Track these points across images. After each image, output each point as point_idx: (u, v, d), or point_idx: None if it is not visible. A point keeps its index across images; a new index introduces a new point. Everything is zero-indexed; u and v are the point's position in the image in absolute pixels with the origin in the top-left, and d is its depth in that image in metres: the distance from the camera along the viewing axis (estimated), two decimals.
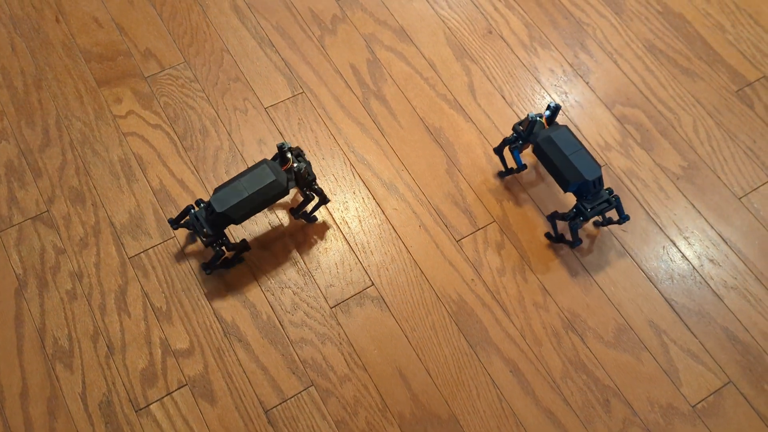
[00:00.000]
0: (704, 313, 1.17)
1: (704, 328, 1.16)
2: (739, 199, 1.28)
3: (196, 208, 1.08)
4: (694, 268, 1.21)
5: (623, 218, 1.15)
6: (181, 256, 1.18)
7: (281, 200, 1.22)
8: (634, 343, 1.15)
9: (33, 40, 1.38)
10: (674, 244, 1.23)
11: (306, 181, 1.10)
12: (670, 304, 1.18)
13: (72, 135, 1.28)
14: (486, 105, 1.36)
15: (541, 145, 1.13)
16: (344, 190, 1.26)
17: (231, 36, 1.41)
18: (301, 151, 1.10)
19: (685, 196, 1.28)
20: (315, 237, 1.21)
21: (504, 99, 1.37)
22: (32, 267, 1.16)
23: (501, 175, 1.29)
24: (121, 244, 1.19)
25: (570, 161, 1.09)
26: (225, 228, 1.07)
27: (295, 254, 1.19)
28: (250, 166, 1.26)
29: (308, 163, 1.09)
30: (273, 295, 1.16)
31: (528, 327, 1.15)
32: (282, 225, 1.22)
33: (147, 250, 1.19)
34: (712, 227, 1.25)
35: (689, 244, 1.23)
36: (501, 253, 1.22)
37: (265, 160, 1.06)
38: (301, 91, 1.36)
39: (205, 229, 1.05)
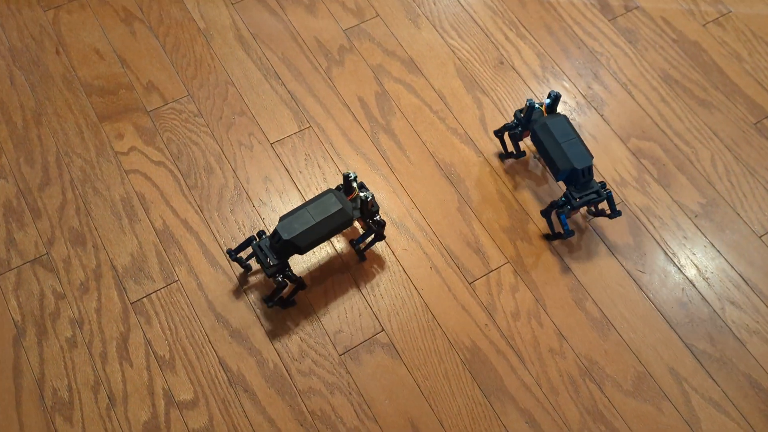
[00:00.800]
0: (726, 360, 1.13)
1: (726, 376, 1.12)
2: (760, 237, 1.24)
3: (258, 240, 1.06)
4: (714, 311, 1.17)
5: (614, 213, 1.16)
6: (185, 301, 1.14)
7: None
8: (654, 391, 1.11)
9: (32, 73, 1.35)
10: (694, 285, 1.19)
11: (370, 212, 1.09)
12: (690, 350, 1.14)
13: (72, 173, 1.25)
14: (498, 139, 1.32)
15: (537, 131, 1.15)
16: (353, 229, 1.22)
17: (236, 68, 1.38)
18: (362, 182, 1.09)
19: (704, 234, 1.24)
20: (322, 279, 1.17)
21: None
22: (31, 313, 1.12)
23: (501, 156, 1.30)
24: (123, 288, 1.15)
25: (562, 149, 1.11)
26: (289, 257, 1.05)
27: (302, 298, 1.15)
28: (255, 202, 1.22)
29: (372, 194, 1.07)
30: (280, 341, 1.12)
31: (544, 375, 1.11)
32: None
33: (150, 294, 1.15)
34: (733, 267, 1.21)
35: (709, 285, 1.19)
36: (515, 296, 1.18)
37: (330, 190, 1.06)
38: (308, 125, 1.32)
39: (269, 259, 1.03)
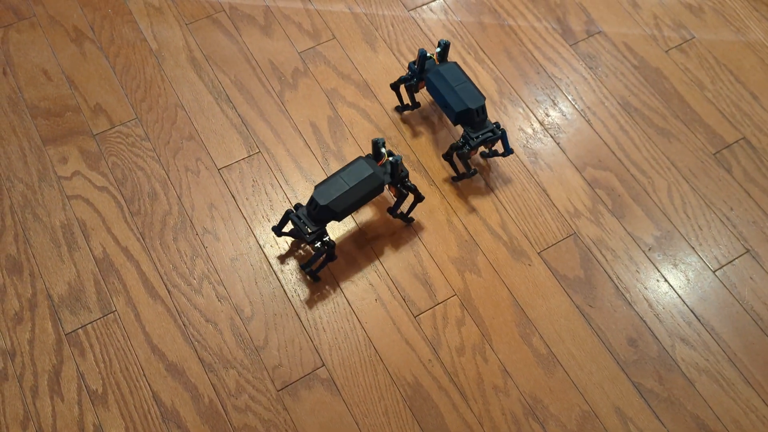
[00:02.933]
0: (674, 399, 1.11)
1: (673, 416, 1.10)
2: (714, 272, 1.22)
3: (295, 211, 1.09)
4: (664, 348, 1.15)
5: (507, 151, 1.22)
6: (121, 332, 1.12)
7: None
8: None
9: None
10: (644, 321, 1.17)
11: (400, 177, 1.11)
12: (637, 389, 1.11)
13: (13, 198, 1.22)
14: (450, 167, 1.30)
15: (431, 78, 1.21)
16: (297, 259, 1.20)
17: (186, 90, 1.35)
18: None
19: (657, 268, 1.22)
20: (263, 311, 1.15)
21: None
22: None
23: (397, 109, 1.34)
24: (58, 318, 1.12)
25: (456, 92, 1.17)
26: (326, 224, 1.08)
27: (241, 329, 1.13)
28: (198, 230, 1.19)
29: (401, 157, 1.09)
30: (217, 375, 1.10)
31: (487, 414, 1.09)
32: (229, 296, 1.15)
33: (85, 325, 1.12)
34: (685, 303, 1.19)
35: (660, 321, 1.17)
36: (461, 330, 1.15)
37: (360, 156, 1.09)
38: (258, 150, 1.30)
39: (307, 227, 1.06)
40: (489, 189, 1.28)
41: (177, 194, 1.24)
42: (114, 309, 1.14)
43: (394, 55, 1.42)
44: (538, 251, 1.22)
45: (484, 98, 1.18)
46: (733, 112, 1.38)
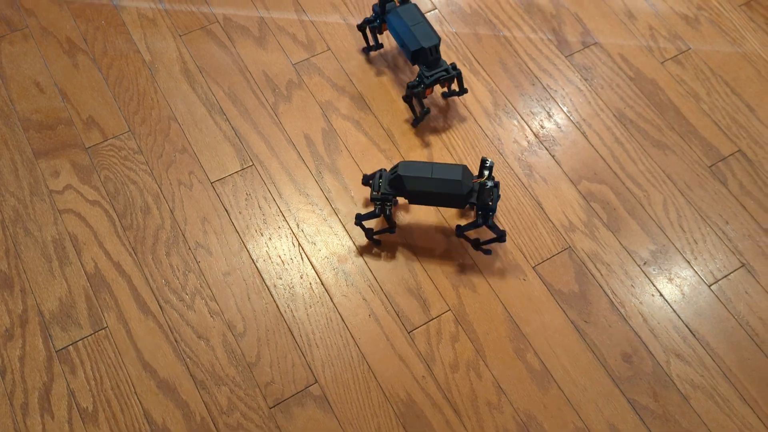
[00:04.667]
0: (669, 416, 1.10)
1: None
2: (710, 286, 1.21)
3: (387, 171, 1.13)
4: (659, 364, 1.14)
5: (462, 90, 1.29)
6: (113, 349, 1.11)
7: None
8: None
9: None
10: (639, 337, 1.16)
11: (484, 203, 1.09)
12: (632, 405, 1.11)
13: (4, 212, 1.21)
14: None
15: (389, 19, 1.27)
16: (291, 274, 1.19)
17: (180, 103, 1.34)
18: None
19: (652, 282, 1.21)
20: (256, 326, 1.14)
21: None
22: None
23: (364, 50, 1.40)
24: (49, 335, 1.12)
25: (411, 31, 1.22)
26: (396, 195, 1.11)
27: (233, 345, 1.12)
28: (191, 244, 1.19)
29: (498, 196, 1.11)
30: (208, 393, 1.09)
31: (480, 430, 1.08)
32: (221, 312, 1.15)
33: (76, 342, 1.11)
34: (680, 318, 1.18)
35: (655, 336, 1.16)
36: (455, 346, 1.14)
37: (464, 165, 1.09)
38: (251, 163, 1.29)
39: (381, 186, 1.10)
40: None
41: (170, 208, 1.23)
42: (105, 325, 1.13)
43: (389, 66, 1.41)
44: (533, 265, 1.21)
45: (439, 38, 1.23)
46: (729, 124, 1.37)
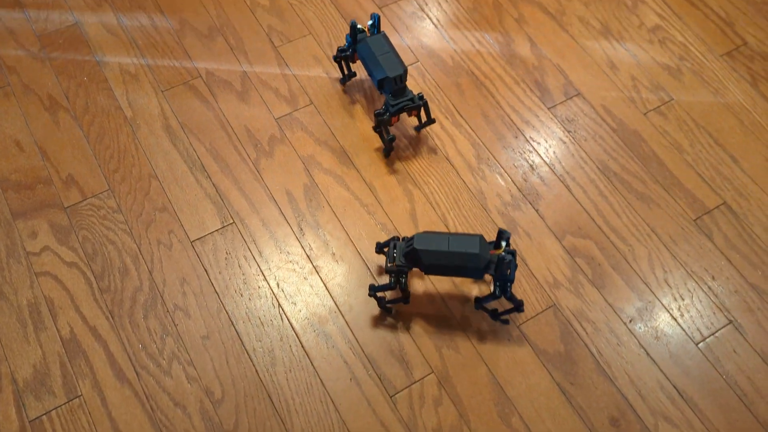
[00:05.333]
0: None
1: None
2: (697, 345, 1.19)
3: (400, 240, 1.13)
4: (647, 427, 1.11)
5: (429, 120, 1.32)
6: (87, 418, 1.08)
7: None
8: None
9: None
10: (626, 399, 1.14)
11: (503, 276, 1.07)
12: None
13: None
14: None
15: (359, 49, 1.30)
16: (271, 336, 1.17)
17: (161, 160, 1.33)
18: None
19: (639, 341, 1.19)
20: (234, 392, 1.11)
21: (447, 228, 1.29)
22: None
23: (341, 81, 1.43)
24: (22, 404, 1.09)
25: (378, 61, 1.25)
26: (412, 267, 1.09)
27: (211, 413, 1.09)
28: (169, 306, 1.17)
29: (516, 265, 1.08)
30: None
31: None
32: (199, 377, 1.12)
33: (50, 411, 1.09)
34: (668, 378, 1.16)
35: (642, 398, 1.14)
36: (438, 410, 1.12)
37: (481, 236, 1.07)
38: (231, 221, 1.28)
39: (396, 257, 1.09)
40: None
41: (148, 269, 1.22)
42: (80, 393, 1.10)
43: (371, 120, 1.40)
44: (518, 324, 1.20)
45: (405, 68, 1.25)
46: (713, 176, 1.36)
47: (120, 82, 1.42)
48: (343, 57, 1.36)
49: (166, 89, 1.42)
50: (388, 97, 1.27)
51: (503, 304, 1.19)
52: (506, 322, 1.18)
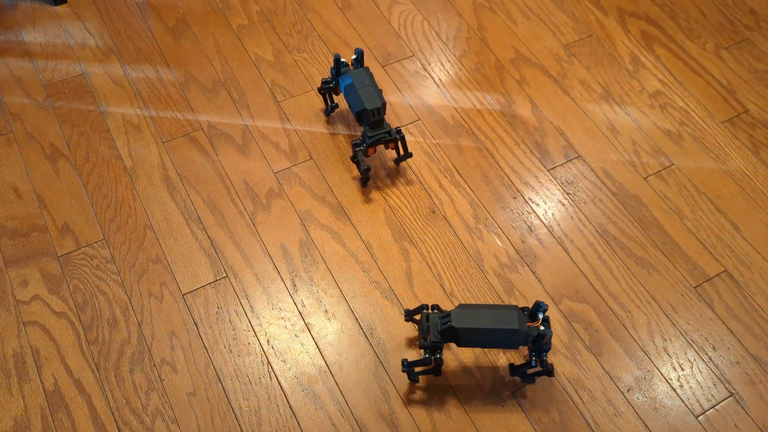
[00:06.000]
0: None
1: None
2: (697, 417, 1.15)
3: (431, 311, 1.11)
4: None
5: (406, 154, 1.36)
6: None
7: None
8: None
9: None
10: None
11: (540, 348, 1.07)
12: None
13: None
14: (423, 295, 1.26)
15: (341, 81, 1.34)
16: (258, 395, 1.14)
17: (157, 210, 1.33)
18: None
19: (636, 412, 1.15)
20: None
21: (443, 289, 1.27)
22: None
23: (325, 112, 1.47)
24: None
25: (358, 94, 1.29)
26: (446, 342, 1.07)
27: None
28: (156, 360, 1.14)
29: (551, 334, 1.06)
30: None
31: None
32: None
33: None
34: None
35: None
36: None
37: (516, 307, 1.06)
38: (225, 275, 1.26)
39: (430, 333, 1.07)
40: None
41: (137, 321, 1.20)
42: None
43: (372, 177, 1.40)
44: (512, 391, 1.16)
45: (383, 102, 1.30)
46: (714, 243, 1.35)
47: (122, 133, 1.43)
48: (326, 89, 1.41)
49: (167, 140, 1.43)
50: (365, 129, 1.31)
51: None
52: (532, 381, 1.16)
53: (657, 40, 1.65)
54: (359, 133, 1.45)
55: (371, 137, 1.31)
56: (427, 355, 1.08)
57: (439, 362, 1.08)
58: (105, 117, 1.46)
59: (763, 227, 1.37)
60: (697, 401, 1.17)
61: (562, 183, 1.42)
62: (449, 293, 1.27)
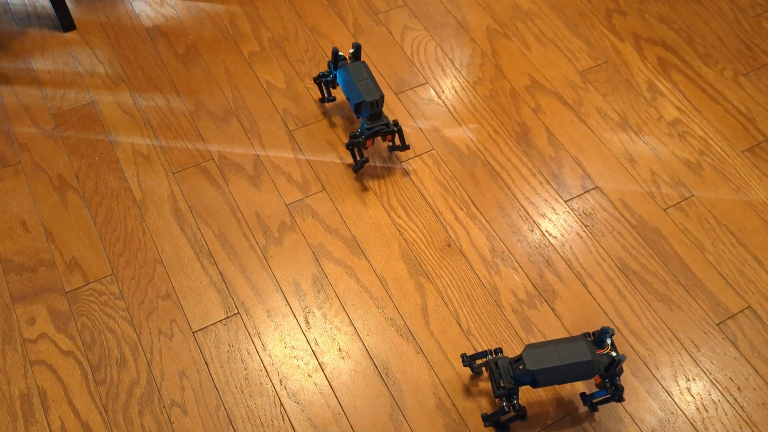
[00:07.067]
0: None
1: None
2: None
3: (494, 356, 1.09)
4: None
5: (404, 146, 1.39)
6: None
7: None
8: None
9: None
10: None
11: (613, 373, 1.05)
12: None
13: None
14: (439, 333, 1.23)
15: (339, 74, 1.36)
16: None
17: (167, 244, 1.30)
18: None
19: None
20: None
21: (460, 326, 1.24)
22: None
23: (321, 101, 1.50)
24: None
25: (356, 86, 1.31)
26: (521, 386, 1.05)
27: None
28: (166, 402, 1.11)
29: (625, 357, 1.04)
30: None
31: None
32: None
33: None
34: None
35: None
36: None
37: (584, 338, 1.05)
38: (236, 311, 1.23)
39: (502, 380, 1.04)
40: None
41: (147, 360, 1.17)
42: None
43: (384, 208, 1.38)
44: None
45: (381, 94, 1.31)
46: (736, 278, 1.31)
47: (131, 163, 1.41)
48: (323, 81, 1.44)
49: (178, 171, 1.41)
50: (363, 121, 1.32)
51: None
52: (596, 409, 1.15)
53: (674, 67, 1.63)
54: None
55: (370, 129, 1.32)
56: (504, 404, 1.04)
57: (519, 407, 1.05)
58: (114, 147, 1.43)
59: None
60: None
61: (580, 215, 1.39)
62: (466, 331, 1.23)
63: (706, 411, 1.17)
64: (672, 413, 1.16)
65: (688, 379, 1.20)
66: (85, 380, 1.15)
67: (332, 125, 1.49)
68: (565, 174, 1.45)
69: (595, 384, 1.09)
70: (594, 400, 1.12)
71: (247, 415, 1.13)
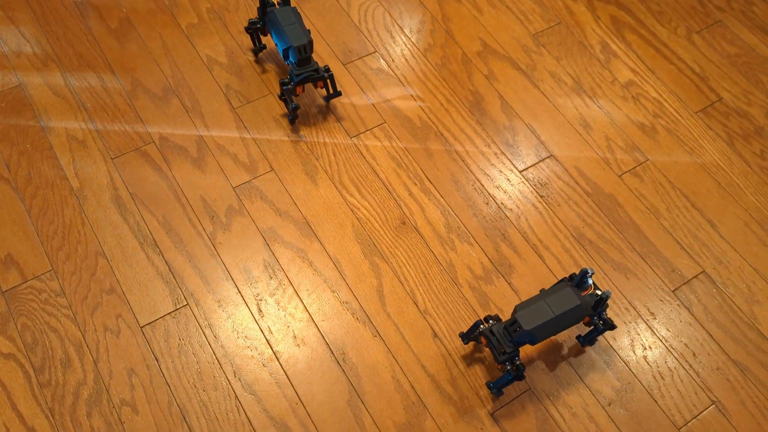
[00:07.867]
0: None
1: None
2: (679, 429, 1.13)
3: (485, 325, 1.08)
4: None
5: (335, 93, 1.37)
6: None
7: None
8: None
9: None
10: None
11: (601, 311, 1.08)
12: None
13: None
14: (396, 314, 1.20)
15: (267, 21, 1.33)
16: None
17: (109, 235, 1.25)
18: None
19: (618, 426, 1.12)
20: None
21: (417, 306, 1.22)
22: None
23: (253, 51, 1.47)
24: None
25: (284, 32, 1.27)
26: (521, 346, 1.06)
27: None
28: (115, 401, 1.08)
29: (610, 293, 1.07)
30: None
31: None
32: None
33: None
34: None
35: None
36: None
37: (566, 283, 1.06)
38: (185, 303, 1.19)
39: (502, 345, 1.05)
40: (438, 341, 1.18)
41: (93, 359, 1.13)
42: None
43: (336, 187, 1.33)
44: (491, 411, 1.12)
45: (309, 39, 1.28)
46: (691, 243, 1.31)
47: (66, 150, 1.33)
48: (253, 29, 1.39)
49: (116, 156, 1.34)
50: (292, 66, 1.29)
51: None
52: (594, 342, 1.19)
53: (627, 26, 1.59)
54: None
55: (298, 75, 1.29)
56: (509, 367, 1.05)
57: (522, 368, 1.06)
58: (46, 132, 1.35)
59: (740, 224, 1.34)
60: (679, 412, 1.14)
61: (535, 185, 1.37)
62: (423, 311, 1.21)
63: (662, 378, 1.17)
64: (629, 383, 1.17)
65: (645, 348, 1.20)
66: (28, 383, 1.10)
67: (279, 102, 1.42)
68: (519, 143, 1.42)
69: (584, 324, 1.11)
70: (594, 336, 1.15)
71: (201, 410, 1.10)
